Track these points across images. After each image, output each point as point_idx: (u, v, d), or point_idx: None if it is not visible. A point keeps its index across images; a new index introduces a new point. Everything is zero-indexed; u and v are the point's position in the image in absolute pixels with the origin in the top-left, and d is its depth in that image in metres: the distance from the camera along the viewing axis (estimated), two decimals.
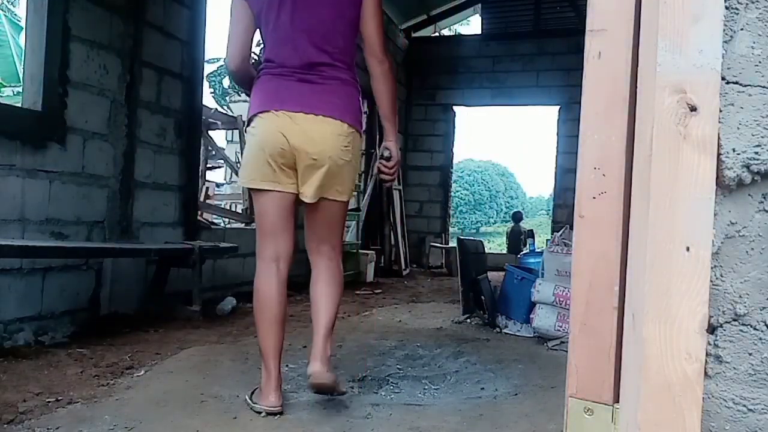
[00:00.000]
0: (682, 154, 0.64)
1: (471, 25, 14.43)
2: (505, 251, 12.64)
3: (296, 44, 2.19)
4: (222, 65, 2.80)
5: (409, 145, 11.39)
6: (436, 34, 12.34)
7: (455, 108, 11.38)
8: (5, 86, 7.74)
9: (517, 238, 12.28)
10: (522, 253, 8.80)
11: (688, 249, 0.64)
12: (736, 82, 0.65)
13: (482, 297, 4.92)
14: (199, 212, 5.82)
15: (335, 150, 2.29)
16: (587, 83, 0.80)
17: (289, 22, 2.17)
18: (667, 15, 0.65)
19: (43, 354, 3.32)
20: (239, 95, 9.76)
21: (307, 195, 2.29)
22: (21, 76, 6.33)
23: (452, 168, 11.93)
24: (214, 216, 7.68)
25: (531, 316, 4.43)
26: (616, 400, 0.76)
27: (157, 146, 4.75)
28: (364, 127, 2.65)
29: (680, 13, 0.65)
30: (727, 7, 0.65)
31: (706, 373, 0.64)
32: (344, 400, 2.74)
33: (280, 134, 2.15)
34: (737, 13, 0.65)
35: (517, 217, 13.14)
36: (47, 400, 2.56)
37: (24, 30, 4.51)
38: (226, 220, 7.76)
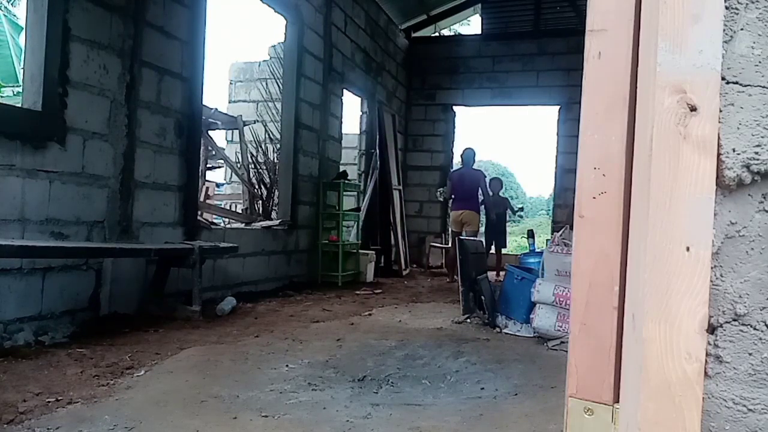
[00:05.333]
0: (682, 154, 0.64)
1: (471, 25, 14.43)
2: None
3: (461, 191, 8.07)
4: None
5: (409, 145, 11.39)
6: (436, 34, 12.34)
7: (455, 108, 11.38)
8: (5, 86, 7.73)
9: (500, 218, 8.93)
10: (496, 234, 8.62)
11: (688, 249, 0.63)
12: (736, 82, 0.65)
13: (482, 297, 4.92)
14: (199, 212, 5.82)
15: (469, 218, 7.98)
16: (587, 83, 0.80)
17: (460, 186, 8.09)
18: (667, 15, 0.65)
19: (43, 354, 3.32)
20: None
21: (463, 232, 7.85)
22: (21, 76, 6.33)
23: (452, 168, 11.92)
24: (214, 216, 7.68)
25: (531, 316, 4.43)
26: (616, 400, 0.76)
27: (157, 146, 4.75)
28: (480, 211, 8.35)
29: (680, 13, 0.65)
30: (727, 7, 0.65)
31: (706, 373, 0.64)
32: (344, 399, 2.75)
33: (457, 216, 8.06)
34: (737, 13, 0.65)
35: (495, 187, 9.22)
36: (47, 400, 2.56)
37: (24, 30, 4.50)
38: (226, 220, 7.76)
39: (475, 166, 8.50)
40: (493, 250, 8.96)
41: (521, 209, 9.92)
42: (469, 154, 8.34)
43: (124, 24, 4.36)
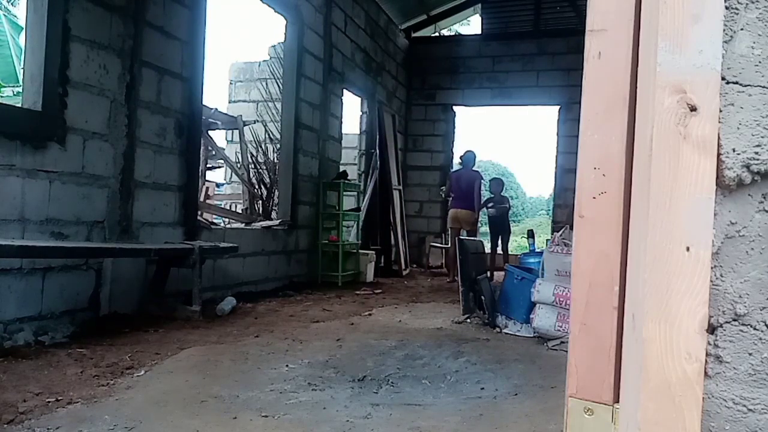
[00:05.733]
0: (682, 154, 0.64)
1: (471, 25, 14.43)
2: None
3: (458, 191, 8.32)
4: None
5: (409, 145, 11.39)
6: (436, 34, 12.33)
7: (455, 108, 11.38)
8: (5, 86, 7.73)
9: (502, 217, 8.86)
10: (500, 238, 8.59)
11: (688, 249, 0.63)
12: (736, 82, 0.65)
13: (482, 297, 4.92)
14: (199, 212, 5.82)
15: (465, 216, 8.24)
16: (587, 83, 0.80)
17: (457, 186, 8.36)
18: (667, 15, 0.65)
19: (43, 354, 3.32)
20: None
21: (464, 230, 8.16)
22: (21, 76, 6.33)
23: (452, 168, 11.92)
24: (214, 216, 7.68)
25: (531, 316, 4.43)
26: (616, 400, 0.76)
27: (157, 146, 4.75)
28: (476, 210, 8.41)
29: (680, 13, 0.65)
30: (727, 7, 0.65)
31: (706, 373, 0.64)
32: (344, 399, 2.75)
33: (453, 214, 8.34)
34: (737, 13, 0.65)
35: (496, 187, 9.13)
36: (47, 400, 2.56)
37: (24, 30, 4.50)
38: (226, 220, 7.76)
39: (475, 167, 8.56)
40: (499, 249, 8.98)
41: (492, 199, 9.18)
42: (468, 157, 8.68)
43: (124, 24, 4.36)
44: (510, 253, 9.17)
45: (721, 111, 0.65)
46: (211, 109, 7.58)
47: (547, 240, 6.82)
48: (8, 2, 10.91)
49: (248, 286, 5.97)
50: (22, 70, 5.41)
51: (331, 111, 7.93)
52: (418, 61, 11.31)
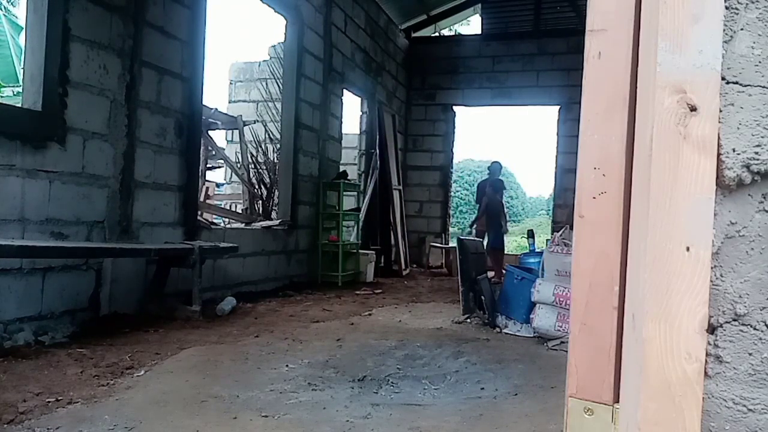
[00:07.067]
0: (682, 154, 0.64)
1: (471, 25, 14.42)
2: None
3: (482, 199, 8.94)
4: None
5: (409, 145, 11.39)
6: (436, 34, 12.33)
7: (455, 108, 11.38)
8: (5, 86, 7.73)
9: (497, 208, 8.65)
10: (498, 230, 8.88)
11: (688, 249, 0.63)
12: (736, 82, 0.65)
13: (482, 297, 4.92)
14: (199, 212, 5.82)
15: (483, 221, 8.94)
16: (587, 83, 0.80)
17: (482, 194, 8.86)
18: (667, 15, 0.65)
19: (43, 354, 3.32)
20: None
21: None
22: (21, 76, 6.33)
23: (452, 168, 11.93)
24: (214, 216, 7.68)
25: (531, 316, 4.43)
26: (616, 400, 0.76)
27: (157, 146, 4.75)
28: (491, 214, 8.88)
29: (680, 13, 0.65)
30: (727, 7, 0.65)
31: (706, 373, 0.64)
32: (344, 399, 2.75)
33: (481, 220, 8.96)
34: (737, 13, 0.65)
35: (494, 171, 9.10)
36: (47, 400, 2.56)
37: (24, 30, 4.50)
38: (226, 220, 7.75)
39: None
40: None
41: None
42: (494, 168, 9.34)
43: (124, 24, 4.36)
44: (510, 253, 9.17)
45: (721, 111, 0.65)
46: (211, 109, 7.58)
47: (547, 240, 6.82)
48: (8, 2, 10.90)
49: (248, 286, 5.97)
50: (22, 70, 5.40)
51: (331, 111, 7.93)
52: (418, 61, 11.31)
